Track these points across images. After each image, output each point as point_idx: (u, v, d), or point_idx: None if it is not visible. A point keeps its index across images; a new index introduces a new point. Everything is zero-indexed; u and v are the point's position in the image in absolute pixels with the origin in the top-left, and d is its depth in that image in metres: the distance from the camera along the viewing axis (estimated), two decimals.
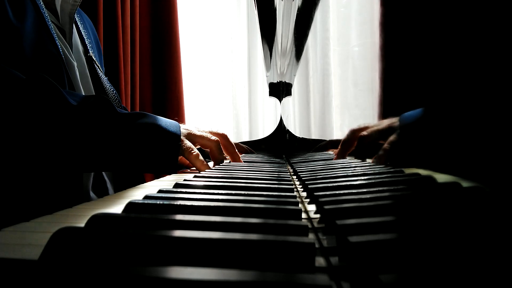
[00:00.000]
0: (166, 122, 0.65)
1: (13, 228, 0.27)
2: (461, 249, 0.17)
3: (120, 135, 0.58)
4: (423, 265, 0.17)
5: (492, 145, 0.32)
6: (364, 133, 0.67)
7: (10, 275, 0.15)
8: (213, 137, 0.72)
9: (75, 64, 0.75)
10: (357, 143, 0.69)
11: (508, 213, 0.23)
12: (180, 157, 0.66)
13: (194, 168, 0.70)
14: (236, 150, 0.81)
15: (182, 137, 0.65)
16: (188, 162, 0.69)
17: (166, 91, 1.73)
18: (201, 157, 0.67)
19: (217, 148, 0.72)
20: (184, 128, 0.69)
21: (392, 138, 0.57)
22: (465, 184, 0.32)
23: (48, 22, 0.68)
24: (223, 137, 0.78)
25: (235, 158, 0.79)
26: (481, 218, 0.22)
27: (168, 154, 0.62)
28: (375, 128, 0.65)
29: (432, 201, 0.29)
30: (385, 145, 0.57)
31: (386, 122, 0.62)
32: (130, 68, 1.60)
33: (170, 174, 0.64)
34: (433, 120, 0.45)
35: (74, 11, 0.77)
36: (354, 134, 0.70)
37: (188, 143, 0.66)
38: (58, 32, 0.74)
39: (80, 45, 0.83)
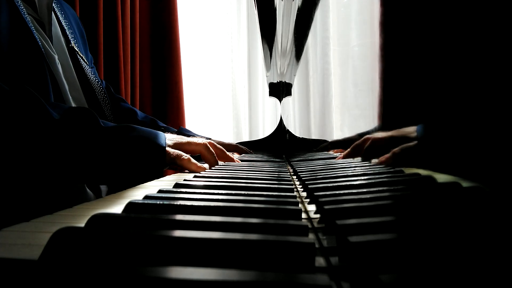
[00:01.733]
0: (151, 134, 0.64)
1: (13, 228, 0.27)
2: (461, 249, 0.17)
3: (103, 149, 0.58)
4: (423, 265, 0.17)
5: (492, 145, 0.32)
6: (379, 135, 0.66)
7: (10, 275, 0.15)
8: (200, 140, 0.73)
9: (56, 56, 0.73)
10: (367, 145, 0.68)
11: (508, 213, 0.23)
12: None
13: None
14: (226, 152, 0.81)
15: (167, 148, 0.65)
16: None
17: (166, 91, 1.73)
18: (193, 160, 0.67)
19: (206, 150, 0.72)
20: (169, 139, 0.69)
21: (404, 145, 0.56)
22: (465, 184, 0.32)
23: (25, 15, 0.66)
24: (209, 142, 0.78)
25: (225, 156, 0.79)
26: (481, 218, 0.22)
27: (153, 166, 0.62)
28: (390, 134, 0.64)
29: (432, 201, 0.29)
30: (396, 149, 0.57)
31: (402, 132, 0.62)
32: (130, 68, 1.60)
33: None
34: (437, 119, 0.44)
35: (52, 1, 0.76)
36: (367, 140, 0.69)
37: (176, 151, 0.66)
38: (37, 25, 0.72)
39: (61, 36, 0.82)
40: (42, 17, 0.75)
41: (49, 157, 0.54)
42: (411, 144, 0.55)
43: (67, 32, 0.85)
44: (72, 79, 0.79)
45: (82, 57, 0.85)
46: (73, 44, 0.83)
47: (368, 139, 0.69)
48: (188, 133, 1.11)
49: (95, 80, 0.87)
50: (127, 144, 0.60)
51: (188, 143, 0.71)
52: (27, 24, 0.66)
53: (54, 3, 0.79)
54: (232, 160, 0.81)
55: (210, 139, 1.01)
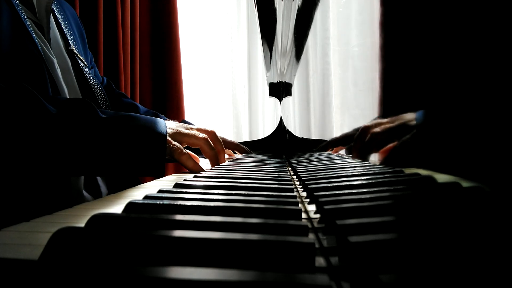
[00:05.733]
0: (151, 122, 0.63)
1: (13, 228, 0.27)
2: (461, 249, 0.17)
3: (101, 140, 0.57)
4: (423, 265, 0.17)
5: (492, 145, 0.32)
6: (377, 129, 0.65)
7: (10, 275, 0.15)
8: (201, 135, 0.71)
9: (55, 60, 0.73)
10: (367, 140, 0.66)
11: (508, 213, 0.23)
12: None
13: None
14: (224, 149, 0.79)
15: (168, 138, 0.64)
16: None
17: (166, 91, 1.73)
18: (192, 156, 0.66)
19: (206, 145, 0.71)
20: (170, 128, 0.68)
21: (405, 138, 0.55)
22: (465, 184, 0.32)
23: (24, 18, 0.66)
24: (212, 133, 0.76)
25: (220, 158, 0.76)
26: (481, 218, 0.22)
27: (153, 155, 0.60)
28: (388, 125, 0.62)
29: (432, 201, 0.29)
30: (397, 144, 0.56)
31: (400, 120, 0.60)
32: (130, 68, 1.60)
33: (158, 177, 0.62)
34: (437, 119, 0.44)
35: (50, 4, 0.75)
36: (366, 131, 0.67)
37: (176, 143, 0.65)
38: (36, 29, 0.72)
39: (60, 39, 0.81)
40: (41, 20, 0.75)
41: (48, 152, 0.54)
42: (409, 136, 0.54)
43: (67, 35, 0.84)
44: (71, 83, 0.79)
45: (81, 60, 0.85)
46: (72, 47, 0.83)
47: (367, 132, 0.67)
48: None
49: (94, 82, 0.87)
50: (126, 133, 0.59)
51: (189, 135, 0.69)
52: (27, 28, 0.66)
53: (54, 3, 0.79)
54: (223, 160, 0.78)
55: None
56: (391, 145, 0.60)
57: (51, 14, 0.78)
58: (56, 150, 0.54)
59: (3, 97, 0.53)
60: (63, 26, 0.85)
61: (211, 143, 0.72)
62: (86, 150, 0.56)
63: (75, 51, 0.83)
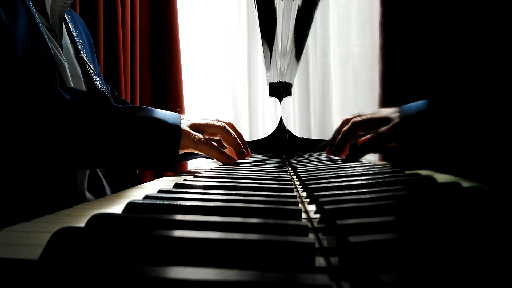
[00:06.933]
0: (165, 114, 0.62)
1: (13, 228, 0.27)
2: (461, 249, 0.17)
3: (115, 129, 0.57)
4: (423, 265, 0.17)
5: (492, 145, 0.32)
6: (358, 118, 0.64)
7: (10, 275, 0.15)
8: (219, 123, 0.69)
9: (66, 65, 0.75)
10: (348, 128, 0.65)
11: (508, 213, 0.23)
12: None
13: (193, 168, 0.69)
14: (245, 141, 0.77)
15: (187, 129, 0.63)
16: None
17: (166, 91, 1.73)
18: (215, 147, 0.64)
19: (226, 133, 0.69)
20: (187, 119, 0.66)
21: (383, 129, 0.56)
22: (465, 184, 0.32)
23: (39, 23, 0.68)
24: (230, 124, 0.74)
25: (245, 150, 0.72)
26: (481, 218, 0.22)
27: (167, 147, 0.59)
28: (370, 116, 0.62)
29: (432, 201, 0.29)
30: (374, 133, 0.56)
31: (383, 112, 0.60)
32: (130, 68, 1.60)
33: (171, 170, 0.61)
34: (434, 117, 0.44)
35: (64, 12, 0.77)
36: (346, 121, 0.67)
37: (197, 134, 0.63)
38: (49, 34, 0.74)
39: (70, 46, 0.83)
40: (54, 27, 0.77)
41: (62, 138, 0.54)
42: (391, 126, 0.54)
43: (77, 43, 0.86)
44: (80, 88, 0.80)
45: (91, 67, 0.86)
46: (82, 54, 0.84)
47: (346, 122, 0.66)
48: None
49: (103, 89, 0.88)
50: (139, 124, 0.58)
51: (207, 124, 0.67)
52: (42, 32, 0.67)
53: (66, 13, 0.80)
54: (249, 153, 0.76)
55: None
56: (369, 136, 0.60)
57: (63, 23, 0.79)
58: (69, 137, 0.54)
59: (18, 82, 0.53)
60: (74, 34, 0.87)
61: (231, 130, 0.70)
62: (99, 137, 0.56)
63: (85, 58, 0.84)
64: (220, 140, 0.72)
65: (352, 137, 0.66)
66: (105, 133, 0.56)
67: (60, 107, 0.54)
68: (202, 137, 0.64)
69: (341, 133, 0.66)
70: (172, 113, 0.64)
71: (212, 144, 0.65)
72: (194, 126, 0.66)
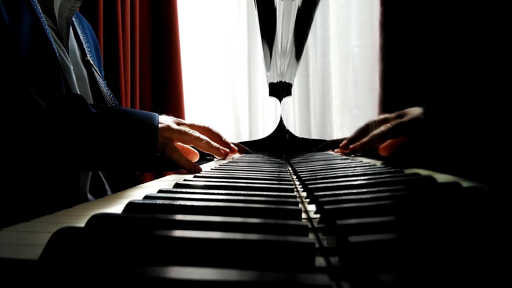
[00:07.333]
0: (141, 115, 0.62)
1: (13, 228, 0.27)
2: (461, 249, 0.17)
3: (90, 134, 0.57)
4: (423, 265, 0.17)
5: (492, 145, 0.32)
6: (388, 124, 0.61)
7: (10, 275, 0.15)
8: (196, 133, 0.69)
9: (72, 67, 0.75)
10: (376, 133, 0.63)
11: (508, 213, 0.23)
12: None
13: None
14: (227, 142, 0.79)
15: (164, 133, 0.63)
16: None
17: (166, 91, 1.73)
18: (183, 155, 0.64)
19: (198, 140, 0.68)
20: (160, 122, 0.66)
21: (384, 128, 0.55)
22: (465, 184, 0.32)
23: (45, 26, 0.68)
24: (205, 129, 0.73)
25: (228, 149, 0.75)
26: (481, 218, 0.22)
27: (143, 147, 0.59)
28: (398, 121, 0.60)
29: (432, 201, 0.29)
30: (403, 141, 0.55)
31: (408, 115, 0.58)
32: (130, 68, 1.60)
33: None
34: (434, 117, 0.44)
35: (71, 15, 0.78)
36: (373, 125, 0.65)
37: (166, 139, 0.64)
38: (55, 36, 0.74)
39: (77, 49, 0.83)
40: (61, 30, 0.77)
41: (37, 146, 0.54)
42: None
43: (84, 46, 0.86)
44: (85, 91, 0.80)
45: (96, 70, 0.86)
46: (88, 57, 0.85)
47: (372, 126, 0.64)
48: None
49: (107, 92, 0.88)
50: (115, 126, 0.58)
51: (180, 131, 0.66)
52: (47, 34, 0.67)
53: (74, 16, 0.80)
54: (233, 150, 0.77)
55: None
56: (391, 141, 0.59)
57: (71, 26, 0.79)
58: (44, 144, 0.55)
59: None
60: (81, 37, 0.87)
61: (204, 137, 0.70)
62: (75, 144, 0.56)
63: (91, 62, 0.85)
64: (205, 132, 0.73)
65: (382, 144, 0.64)
66: (79, 139, 0.57)
67: (34, 115, 0.54)
68: (171, 143, 0.64)
69: (374, 136, 0.64)
70: (149, 113, 0.64)
71: (181, 152, 0.65)
72: (164, 130, 0.65)
